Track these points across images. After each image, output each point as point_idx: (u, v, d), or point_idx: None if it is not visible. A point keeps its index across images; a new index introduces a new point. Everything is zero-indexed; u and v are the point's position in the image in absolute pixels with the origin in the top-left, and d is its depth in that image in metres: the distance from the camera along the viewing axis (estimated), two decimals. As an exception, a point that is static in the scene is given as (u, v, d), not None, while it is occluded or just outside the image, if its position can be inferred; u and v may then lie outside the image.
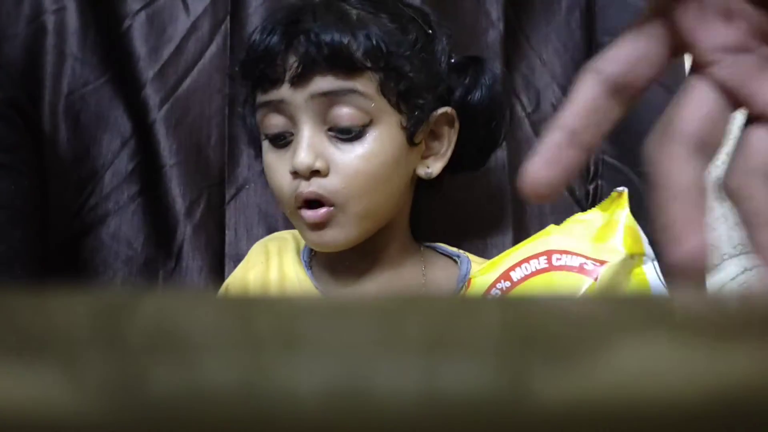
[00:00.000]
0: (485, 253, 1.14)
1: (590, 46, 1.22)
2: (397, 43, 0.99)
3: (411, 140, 1.00)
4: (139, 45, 1.20)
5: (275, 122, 0.99)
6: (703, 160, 0.48)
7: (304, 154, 0.96)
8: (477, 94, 1.07)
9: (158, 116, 1.18)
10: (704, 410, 0.27)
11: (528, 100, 1.22)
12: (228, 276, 1.12)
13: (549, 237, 0.93)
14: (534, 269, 0.90)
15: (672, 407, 0.27)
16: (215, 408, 0.27)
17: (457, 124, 1.05)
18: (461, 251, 1.10)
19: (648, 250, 0.90)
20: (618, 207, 0.92)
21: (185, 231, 1.17)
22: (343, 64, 0.96)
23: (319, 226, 0.98)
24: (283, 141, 0.99)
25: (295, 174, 0.97)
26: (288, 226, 1.16)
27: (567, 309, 0.37)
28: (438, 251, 1.11)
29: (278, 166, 1.00)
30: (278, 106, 0.98)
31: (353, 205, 0.98)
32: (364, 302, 0.40)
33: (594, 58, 0.48)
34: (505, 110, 1.10)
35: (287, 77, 0.97)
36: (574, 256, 0.90)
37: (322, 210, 0.97)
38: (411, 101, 1.00)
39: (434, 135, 1.04)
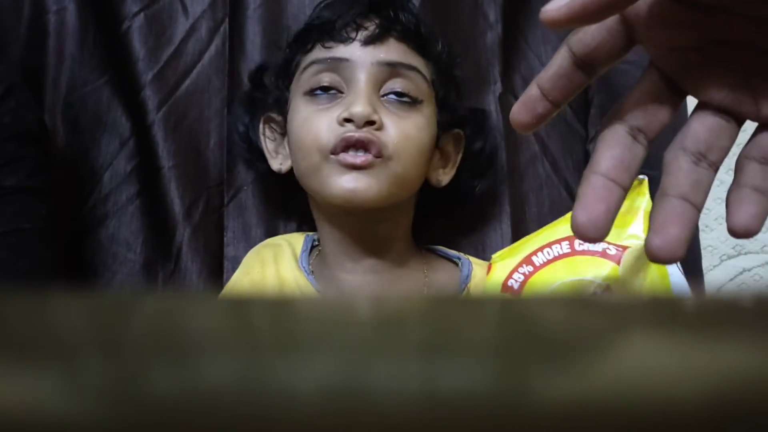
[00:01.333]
0: (484, 254, 1.14)
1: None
2: (448, 46, 1.11)
3: (438, 140, 1.07)
4: (138, 46, 1.20)
5: (328, 76, 1.03)
6: (637, 142, 0.58)
7: (363, 103, 1.00)
8: (479, 144, 1.15)
9: (156, 118, 1.18)
10: (703, 410, 0.27)
11: (526, 101, 1.22)
12: (226, 278, 1.12)
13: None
14: (557, 254, 0.92)
15: (671, 407, 0.27)
16: (214, 409, 0.27)
17: (463, 149, 1.12)
18: (461, 254, 1.10)
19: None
20: (639, 194, 0.93)
21: (184, 233, 1.17)
22: (415, 39, 1.05)
23: (357, 168, 0.99)
24: (327, 97, 1.02)
25: (346, 121, 0.99)
26: (288, 228, 1.16)
27: (565, 310, 0.37)
28: (438, 254, 1.11)
29: (320, 115, 1.02)
30: (338, 65, 1.03)
31: (396, 162, 1.00)
32: (363, 303, 0.40)
33: (570, 34, 0.56)
34: (493, 162, 1.17)
35: (360, 36, 1.03)
36: None
37: (368, 156, 0.99)
38: (448, 103, 1.08)
39: (444, 153, 1.11)
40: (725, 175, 1.23)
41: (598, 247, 0.90)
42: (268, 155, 1.12)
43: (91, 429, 0.26)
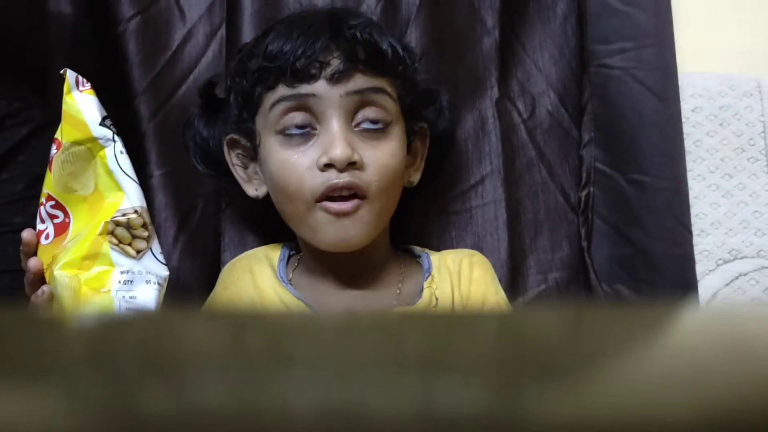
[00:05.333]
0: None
1: (582, 53, 1.23)
2: (409, 54, 1.09)
3: (409, 147, 1.07)
4: (134, 51, 1.19)
5: (298, 118, 1.02)
6: None
7: (342, 146, 0.99)
8: (443, 123, 1.14)
9: (150, 126, 1.18)
10: (697, 428, 0.28)
11: (523, 106, 1.22)
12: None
13: None
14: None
15: (664, 424, 0.27)
16: (209, 428, 0.27)
17: (428, 139, 1.11)
18: (425, 250, 1.12)
19: (101, 132, 0.92)
20: (65, 94, 0.93)
21: (181, 238, 1.17)
22: (379, 64, 1.03)
23: (345, 216, 1.00)
24: (301, 136, 1.01)
25: (327, 167, 0.99)
26: (284, 232, 1.16)
27: (560, 327, 0.37)
28: (408, 252, 1.13)
29: (299, 160, 1.01)
30: (306, 102, 1.01)
31: (379, 199, 1.01)
32: (358, 320, 0.40)
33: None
34: (454, 140, 1.17)
35: (326, 74, 1.01)
36: None
37: (354, 201, 1.00)
38: (413, 110, 1.08)
39: (411, 151, 1.10)
40: (721, 179, 1.24)
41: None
42: (241, 181, 1.10)
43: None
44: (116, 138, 0.92)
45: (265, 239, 1.16)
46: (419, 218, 1.18)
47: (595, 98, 1.20)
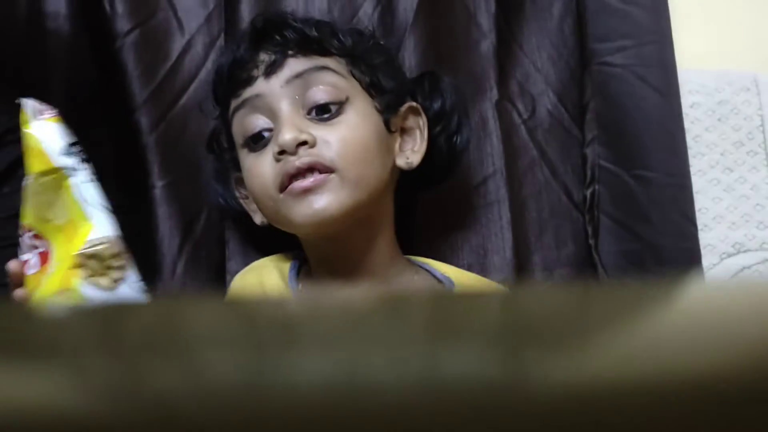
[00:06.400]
0: (486, 259, 1.15)
1: (582, 52, 1.23)
2: (358, 35, 1.09)
3: (387, 126, 1.05)
4: (133, 64, 1.20)
5: (254, 121, 1.03)
6: None
7: (287, 130, 0.99)
8: (437, 103, 1.12)
9: (150, 138, 1.18)
10: (698, 392, 0.28)
11: (523, 106, 1.23)
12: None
13: None
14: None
15: (666, 388, 0.28)
16: (218, 405, 0.27)
17: (424, 118, 1.10)
18: (448, 273, 1.10)
19: (64, 162, 0.91)
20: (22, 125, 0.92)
21: (185, 248, 1.17)
22: (312, 45, 1.04)
23: (310, 191, 0.98)
24: (262, 141, 1.02)
25: (281, 155, 0.99)
26: (289, 240, 1.16)
27: (565, 298, 0.37)
28: (426, 269, 1.11)
29: (259, 162, 1.02)
30: (255, 103, 1.03)
31: (345, 170, 0.99)
32: (363, 300, 0.40)
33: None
34: (462, 115, 1.15)
35: (260, 71, 1.03)
36: None
37: (314, 176, 0.99)
38: (380, 87, 1.06)
39: (406, 131, 1.09)
40: (722, 174, 1.24)
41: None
42: (251, 214, 1.11)
43: (97, 425, 0.27)
44: (81, 166, 0.91)
45: (270, 248, 1.16)
46: (424, 222, 1.18)
47: (597, 96, 1.21)
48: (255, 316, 0.35)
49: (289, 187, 0.99)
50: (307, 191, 0.98)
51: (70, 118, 1.15)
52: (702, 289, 0.41)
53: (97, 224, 0.90)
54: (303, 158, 0.98)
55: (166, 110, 1.19)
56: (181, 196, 1.18)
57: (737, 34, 1.31)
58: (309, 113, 1.02)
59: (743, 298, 0.37)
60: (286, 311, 0.35)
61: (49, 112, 0.93)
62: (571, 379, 0.28)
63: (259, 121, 1.03)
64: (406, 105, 1.09)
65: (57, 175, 0.90)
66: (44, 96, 1.16)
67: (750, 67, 1.28)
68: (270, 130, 1.02)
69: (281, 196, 1.00)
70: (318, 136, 1.00)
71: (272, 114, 1.02)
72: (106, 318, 0.33)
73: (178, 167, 1.18)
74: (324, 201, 0.98)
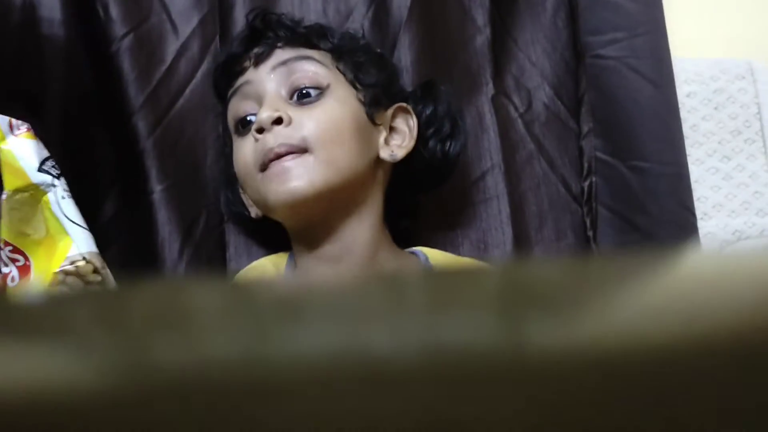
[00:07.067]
0: (487, 253, 1.15)
1: (575, 45, 1.23)
2: (349, 37, 1.14)
3: (371, 117, 1.08)
4: (129, 68, 1.20)
5: (243, 106, 1.09)
6: None
7: (264, 109, 1.04)
8: (429, 109, 1.14)
9: (148, 143, 1.18)
10: (696, 355, 0.28)
11: (519, 100, 1.23)
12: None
13: None
14: None
15: (665, 352, 0.28)
16: (221, 378, 0.27)
17: (415, 119, 1.11)
18: (443, 256, 1.11)
19: (41, 178, 0.91)
20: None
21: (185, 251, 1.17)
22: (299, 38, 1.09)
23: (285, 173, 1.01)
24: (249, 125, 1.06)
25: (259, 132, 1.03)
26: (287, 239, 1.16)
27: (561, 267, 0.38)
28: (420, 257, 1.11)
29: (243, 142, 1.07)
30: (244, 90, 1.09)
31: (319, 149, 1.02)
32: (360, 276, 0.40)
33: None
34: (457, 121, 1.15)
35: (251, 61, 1.09)
36: None
37: (290, 157, 1.02)
38: (365, 81, 1.09)
39: (395, 129, 1.11)
40: (720, 162, 1.24)
41: None
42: (248, 208, 1.13)
43: (101, 398, 0.27)
44: (58, 182, 0.91)
45: (270, 248, 1.16)
46: (423, 218, 1.19)
47: (592, 89, 1.21)
48: (256, 293, 0.35)
49: (269, 167, 1.02)
50: (283, 172, 1.01)
51: (67, 126, 1.17)
52: (698, 256, 0.41)
53: (76, 240, 0.90)
54: (278, 140, 1.02)
55: (163, 114, 1.20)
56: (180, 200, 1.18)
57: (730, 21, 1.32)
58: (291, 97, 1.06)
59: (739, 264, 0.37)
60: (287, 288, 0.35)
61: (23, 127, 0.93)
62: (570, 344, 0.28)
63: (247, 106, 1.08)
64: (396, 105, 1.11)
65: (34, 191, 0.90)
66: (41, 103, 1.18)
67: (744, 55, 1.28)
68: (256, 113, 1.06)
69: (260, 175, 1.03)
70: (295, 117, 1.03)
71: (259, 99, 1.07)
72: (109, 297, 0.34)
73: (176, 171, 1.18)
74: (296, 181, 1.01)
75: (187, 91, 1.20)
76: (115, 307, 0.33)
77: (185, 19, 1.22)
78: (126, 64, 1.20)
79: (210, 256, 1.18)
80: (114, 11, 1.20)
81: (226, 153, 1.16)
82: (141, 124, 1.19)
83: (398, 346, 0.29)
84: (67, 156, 1.16)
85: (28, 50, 1.18)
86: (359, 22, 1.21)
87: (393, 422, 0.25)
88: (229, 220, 1.18)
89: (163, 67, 1.21)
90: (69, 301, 0.33)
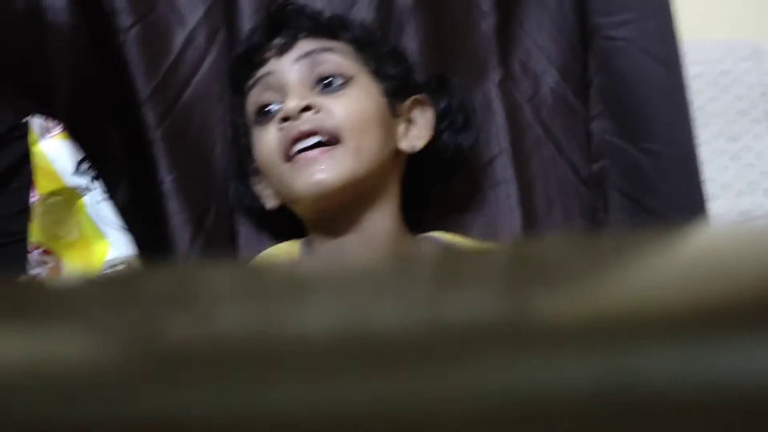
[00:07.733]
0: (496, 237, 1.15)
1: (584, 27, 1.23)
2: (363, 27, 1.15)
3: (392, 108, 1.10)
4: (136, 60, 1.20)
5: (265, 96, 1.09)
6: None
7: (291, 98, 1.04)
8: (443, 102, 1.15)
9: (157, 133, 1.18)
10: (701, 322, 0.28)
11: (526, 85, 1.23)
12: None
13: None
14: None
15: (672, 318, 0.28)
16: (230, 353, 0.28)
17: (432, 110, 1.13)
18: (456, 239, 1.12)
19: (76, 182, 0.91)
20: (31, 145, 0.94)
21: (197, 242, 1.17)
22: (322, 29, 1.10)
23: (315, 162, 1.02)
24: (270, 114, 1.07)
25: (284, 120, 1.04)
26: (298, 228, 1.17)
27: (570, 242, 0.38)
28: (434, 242, 1.12)
29: (265, 133, 1.07)
30: (266, 81, 1.09)
31: (348, 138, 1.03)
32: (369, 257, 0.41)
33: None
34: (469, 114, 1.17)
35: (274, 52, 1.09)
36: None
37: (319, 149, 1.02)
38: (386, 72, 1.11)
39: (411, 121, 1.13)
40: (727, 143, 1.24)
41: None
42: (263, 199, 1.14)
43: (112, 375, 0.27)
44: (93, 185, 0.91)
45: (281, 237, 1.17)
46: (432, 204, 1.19)
47: (602, 71, 1.21)
48: (266, 272, 0.36)
49: (296, 157, 1.03)
50: (311, 163, 1.02)
51: (76, 117, 1.18)
52: (706, 230, 0.42)
53: (115, 243, 0.90)
54: (306, 123, 1.03)
55: (171, 104, 1.20)
56: (190, 190, 1.18)
57: (735, 2, 1.31)
58: (316, 87, 1.06)
59: (746, 236, 0.38)
60: (296, 268, 0.36)
61: (56, 129, 0.93)
62: (577, 316, 0.29)
63: (269, 96, 1.08)
64: (413, 97, 1.13)
65: (69, 195, 0.90)
66: (49, 94, 1.18)
67: (749, 36, 1.28)
68: (279, 103, 1.06)
69: (285, 165, 1.04)
70: (322, 104, 1.04)
71: (282, 89, 1.07)
72: (120, 279, 0.34)
73: (185, 161, 1.19)
74: (325, 172, 1.02)
75: (194, 81, 1.21)
76: (127, 287, 0.34)
77: (191, 9, 1.22)
78: (134, 55, 1.20)
79: (221, 246, 1.18)
80: (120, 2, 1.20)
81: (236, 144, 1.16)
82: (150, 115, 1.19)
83: (406, 321, 0.29)
84: (75, 147, 1.17)
85: (33, 40, 1.18)
86: (365, 9, 1.21)
87: (399, 396, 0.25)
88: (237, 212, 1.18)
89: (171, 58, 1.21)
90: (83, 284, 0.34)
